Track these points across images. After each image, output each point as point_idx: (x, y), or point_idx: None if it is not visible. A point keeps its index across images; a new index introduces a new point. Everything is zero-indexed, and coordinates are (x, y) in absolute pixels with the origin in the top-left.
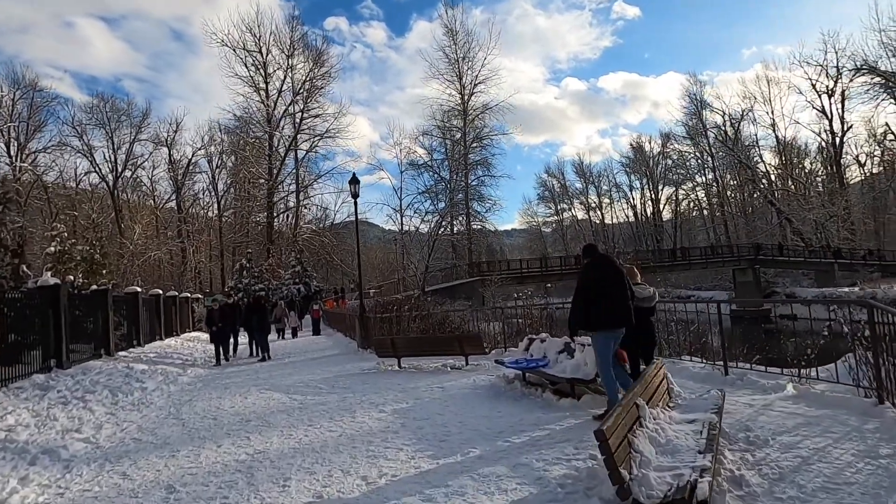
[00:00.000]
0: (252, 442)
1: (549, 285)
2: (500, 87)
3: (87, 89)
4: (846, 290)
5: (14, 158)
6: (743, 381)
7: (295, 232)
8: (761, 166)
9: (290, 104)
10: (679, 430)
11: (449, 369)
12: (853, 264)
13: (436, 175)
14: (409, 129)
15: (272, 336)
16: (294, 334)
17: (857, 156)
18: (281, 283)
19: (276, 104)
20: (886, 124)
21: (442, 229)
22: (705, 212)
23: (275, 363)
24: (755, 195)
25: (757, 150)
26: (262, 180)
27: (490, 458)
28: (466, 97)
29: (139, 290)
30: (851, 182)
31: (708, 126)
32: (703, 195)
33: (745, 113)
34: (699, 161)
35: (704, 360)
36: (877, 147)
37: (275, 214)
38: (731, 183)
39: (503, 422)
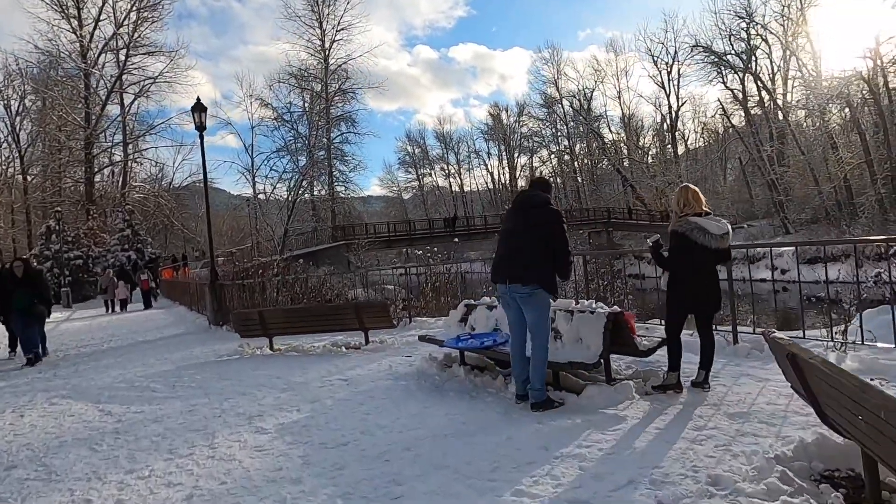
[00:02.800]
0: None
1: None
2: (365, 35)
3: None
4: None
5: None
6: (762, 351)
7: (123, 191)
8: (609, 136)
9: (111, 37)
10: None
11: (344, 350)
12: None
13: (293, 131)
14: (259, 85)
15: (97, 310)
16: (123, 307)
17: (683, 132)
18: (106, 249)
19: (92, 36)
20: (718, 100)
21: (303, 189)
22: (559, 179)
23: (84, 353)
24: (604, 163)
25: (606, 120)
26: (79, 128)
27: None
28: (328, 45)
29: None
30: (682, 154)
31: (563, 95)
32: (556, 163)
33: (596, 84)
34: (553, 130)
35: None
36: (699, 125)
37: (95, 169)
38: (582, 152)
39: (482, 443)
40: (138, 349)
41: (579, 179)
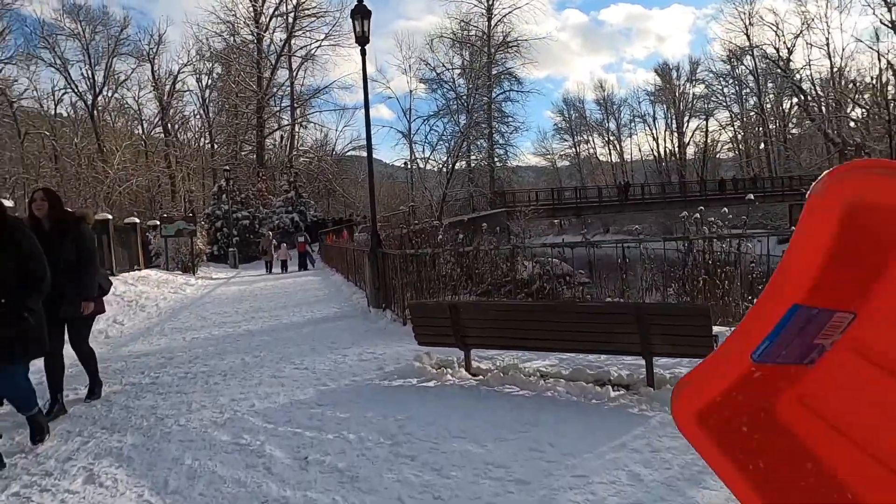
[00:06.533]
0: None
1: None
2: None
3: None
4: None
5: None
6: None
7: (290, 155)
8: (812, 91)
9: (281, 1)
10: None
11: (611, 393)
12: None
13: (452, 91)
14: (418, 47)
15: (258, 271)
16: (284, 268)
17: None
18: (272, 210)
19: (264, 1)
20: None
21: (462, 151)
22: (741, 145)
23: (213, 340)
24: (806, 124)
25: (809, 71)
26: (252, 93)
27: None
28: None
29: None
30: None
31: (754, 45)
32: (737, 126)
33: (801, 31)
34: (737, 88)
35: None
36: None
37: (265, 132)
38: (774, 111)
39: None
40: (277, 340)
41: (762, 145)
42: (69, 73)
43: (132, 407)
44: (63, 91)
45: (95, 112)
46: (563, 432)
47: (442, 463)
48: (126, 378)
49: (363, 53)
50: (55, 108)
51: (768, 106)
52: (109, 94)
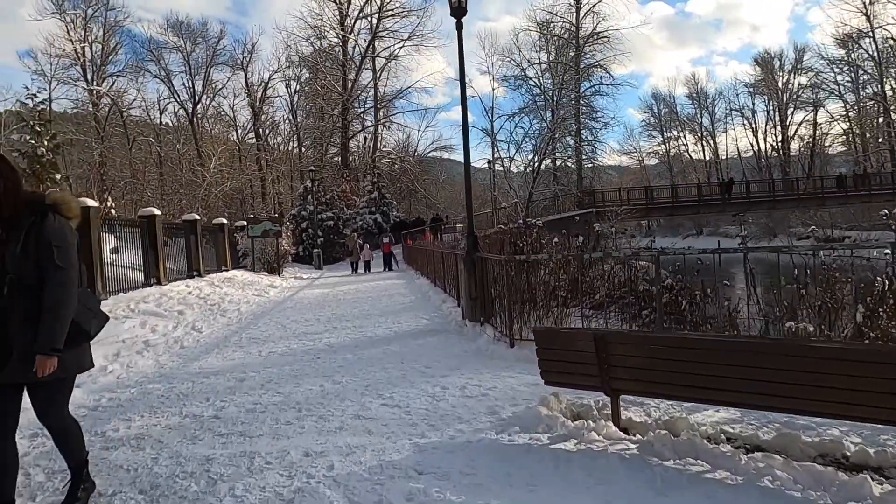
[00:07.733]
0: None
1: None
2: None
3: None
4: None
5: (91, 82)
6: None
7: (373, 156)
8: None
9: (366, 2)
10: None
11: (873, 488)
12: None
13: (537, 87)
14: (501, 44)
15: (342, 272)
16: (367, 268)
17: None
18: (355, 211)
19: (349, 3)
20: None
21: (549, 146)
22: (857, 138)
23: (290, 355)
24: None
25: None
26: (337, 95)
27: None
28: None
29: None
30: None
31: (875, 27)
32: (852, 116)
33: None
34: (853, 75)
35: None
36: None
37: (349, 134)
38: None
39: None
40: (360, 360)
41: (881, 138)
42: (172, 84)
43: (184, 456)
44: (167, 101)
45: (195, 119)
46: None
47: None
48: (188, 407)
49: (459, 28)
50: (160, 117)
51: (891, 93)
52: (207, 102)
